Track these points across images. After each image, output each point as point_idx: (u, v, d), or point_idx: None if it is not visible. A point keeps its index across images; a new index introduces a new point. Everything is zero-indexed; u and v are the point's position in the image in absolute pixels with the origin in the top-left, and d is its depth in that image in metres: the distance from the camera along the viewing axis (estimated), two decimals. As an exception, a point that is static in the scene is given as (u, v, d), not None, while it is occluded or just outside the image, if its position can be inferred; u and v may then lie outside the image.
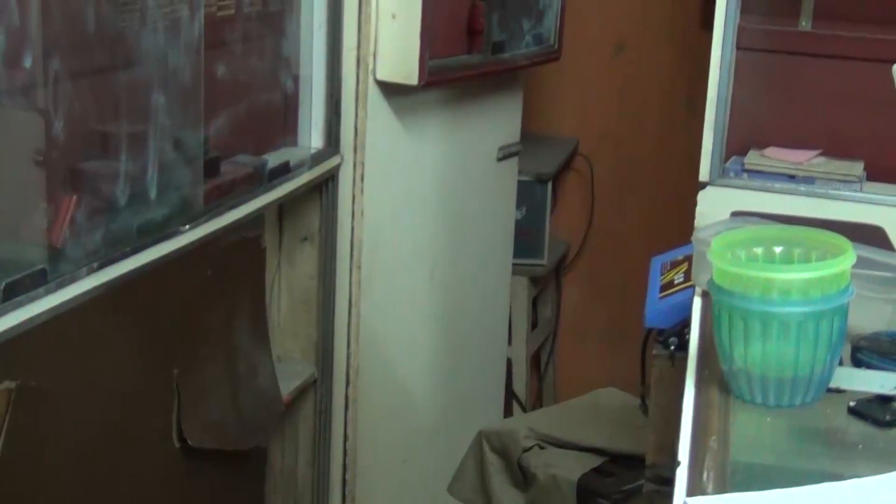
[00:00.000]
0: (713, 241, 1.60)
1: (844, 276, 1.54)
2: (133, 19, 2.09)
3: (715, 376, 1.63)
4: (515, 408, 3.91)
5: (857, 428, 1.53)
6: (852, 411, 1.55)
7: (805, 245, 1.63)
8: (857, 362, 1.69)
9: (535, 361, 4.21)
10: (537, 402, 4.19)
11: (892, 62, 2.19)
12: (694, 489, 1.36)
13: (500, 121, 3.46)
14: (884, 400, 1.56)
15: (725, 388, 1.60)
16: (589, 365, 4.25)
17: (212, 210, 2.32)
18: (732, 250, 1.61)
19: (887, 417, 1.52)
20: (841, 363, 1.66)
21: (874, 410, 1.54)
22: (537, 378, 4.23)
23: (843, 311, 1.54)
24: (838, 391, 1.60)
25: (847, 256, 1.54)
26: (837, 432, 1.52)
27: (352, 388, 3.02)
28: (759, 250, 1.63)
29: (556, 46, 3.43)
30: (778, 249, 1.64)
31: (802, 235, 1.64)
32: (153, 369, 2.24)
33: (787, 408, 1.56)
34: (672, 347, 2.07)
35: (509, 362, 3.83)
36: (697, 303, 1.92)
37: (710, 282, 1.57)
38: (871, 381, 1.62)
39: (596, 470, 2.70)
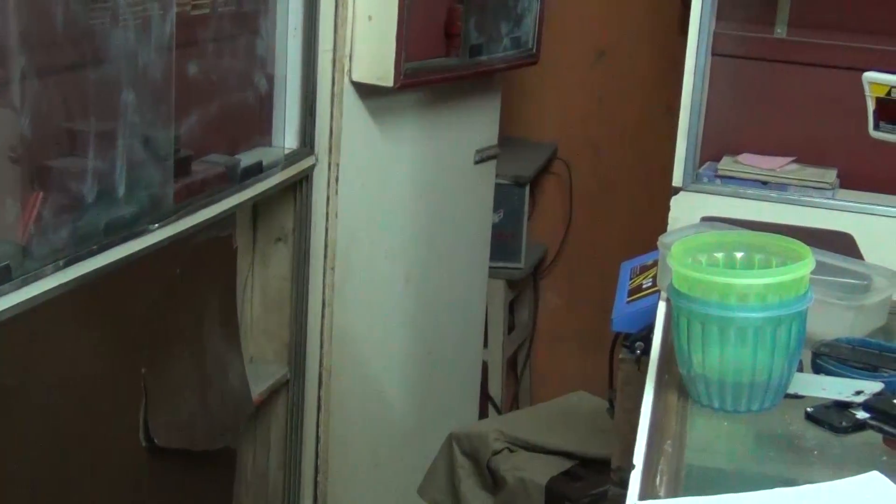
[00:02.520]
0: (673, 245, 1.60)
1: (803, 282, 1.54)
2: (104, 17, 2.09)
3: (675, 381, 1.64)
4: (491, 411, 3.91)
5: (814, 434, 1.53)
6: (809, 417, 1.55)
7: (766, 251, 1.63)
8: (818, 368, 1.69)
9: (512, 365, 4.21)
10: (513, 405, 4.19)
11: (867, 70, 2.20)
12: (647, 492, 1.37)
13: (478, 124, 3.46)
14: (841, 406, 1.57)
15: (685, 392, 1.61)
16: (565, 369, 4.26)
17: (182, 209, 2.32)
18: (693, 255, 1.62)
19: (843, 423, 1.52)
20: (801, 369, 1.66)
21: (831, 417, 1.54)
22: (514, 381, 4.24)
23: (802, 318, 1.55)
24: (797, 397, 1.61)
25: (805, 263, 1.55)
26: (794, 438, 1.52)
27: (324, 389, 3.02)
28: (719, 255, 1.64)
29: (534, 50, 3.43)
30: (739, 255, 1.64)
31: (763, 241, 1.65)
32: (120, 368, 2.24)
33: (745, 413, 1.56)
34: (638, 352, 2.08)
35: (485, 365, 3.83)
36: (662, 307, 1.92)
37: (670, 286, 1.58)
38: (829, 388, 1.62)
39: (565, 473, 2.70)
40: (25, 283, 1.91)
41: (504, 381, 3.99)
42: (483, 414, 3.84)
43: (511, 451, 2.76)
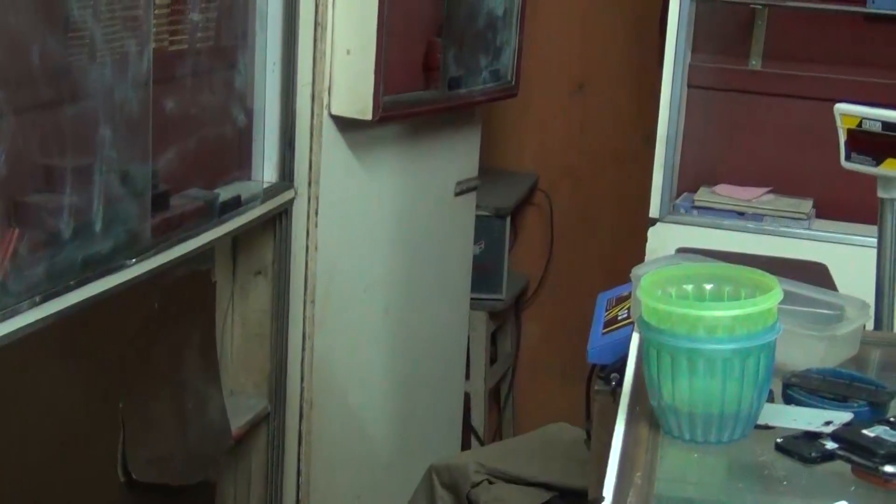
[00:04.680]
0: (643, 278, 1.62)
1: (771, 313, 1.55)
2: (81, 53, 2.10)
3: (647, 412, 1.64)
4: (473, 442, 3.91)
5: (784, 464, 1.53)
6: (779, 447, 1.56)
7: (735, 282, 1.64)
8: (788, 399, 1.70)
9: (495, 396, 4.22)
10: (497, 436, 4.19)
11: (840, 101, 2.23)
12: (616, 524, 1.37)
13: (458, 156, 3.48)
14: (811, 437, 1.57)
15: (656, 424, 1.61)
16: (549, 399, 4.26)
17: (160, 244, 2.33)
18: (663, 287, 1.62)
19: (813, 454, 1.53)
20: (772, 399, 1.67)
21: (801, 447, 1.54)
22: (497, 412, 4.24)
23: (770, 349, 1.56)
24: (767, 427, 1.61)
25: (773, 295, 1.56)
26: (764, 468, 1.52)
27: (305, 422, 3.02)
28: (689, 287, 1.65)
29: (513, 83, 3.46)
30: (708, 287, 1.65)
31: (733, 273, 1.66)
32: (98, 402, 2.24)
33: (715, 444, 1.57)
34: (613, 383, 2.08)
35: (468, 396, 3.84)
36: (635, 339, 1.92)
37: (640, 318, 1.59)
38: (799, 418, 1.62)
39: (544, 505, 2.70)
40: (2, 319, 1.91)
41: (487, 412, 3.99)
42: (466, 445, 3.85)
43: (491, 482, 2.75)
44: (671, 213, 2.84)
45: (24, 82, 1.98)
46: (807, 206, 2.86)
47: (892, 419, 1.56)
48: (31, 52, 1.98)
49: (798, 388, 1.70)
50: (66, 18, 2.05)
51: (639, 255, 2.90)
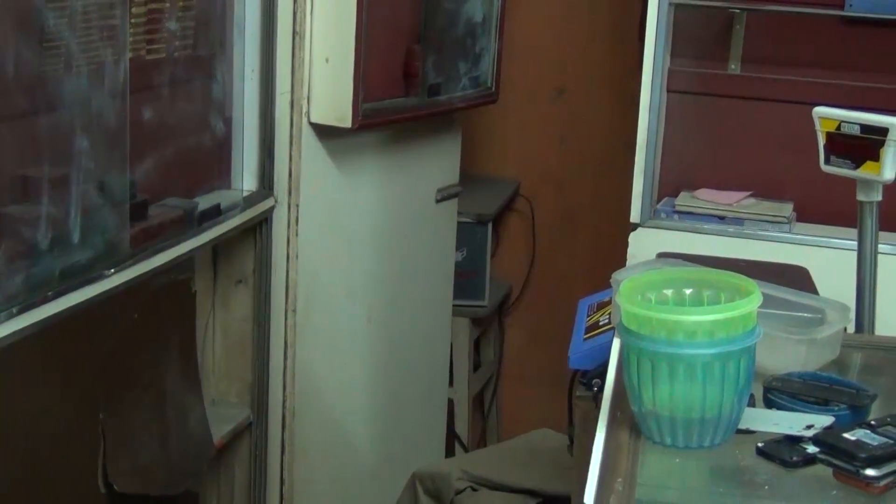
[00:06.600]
0: (622, 283, 1.61)
1: (750, 317, 1.55)
2: (57, 64, 2.09)
3: (628, 418, 1.64)
4: (458, 449, 3.91)
5: (765, 468, 1.53)
6: (761, 452, 1.55)
7: (715, 287, 1.64)
8: (769, 403, 1.70)
9: (479, 402, 4.21)
10: (481, 443, 4.18)
11: (819, 104, 2.23)
12: (597, 531, 1.37)
13: (439, 163, 3.47)
14: (792, 441, 1.57)
15: (637, 429, 1.61)
16: (533, 405, 4.25)
17: (138, 253, 2.32)
18: (643, 293, 1.62)
19: (794, 458, 1.53)
20: (754, 404, 1.67)
21: (782, 451, 1.54)
22: (481, 419, 4.23)
23: (750, 353, 1.55)
24: (749, 432, 1.61)
25: (752, 299, 1.55)
26: (745, 473, 1.52)
27: (288, 431, 3.01)
28: (669, 292, 1.64)
29: (493, 89, 3.45)
30: (688, 291, 1.65)
31: (712, 277, 1.65)
32: (78, 413, 2.23)
33: (697, 449, 1.56)
34: (595, 389, 2.07)
35: (452, 403, 3.83)
36: (616, 344, 1.92)
37: (619, 324, 1.58)
38: (780, 422, 1.62)
39: (527, 512, 2.70)
40: (-22, 331, 1.90)
41: (471, 419, 3.99)
42: (450, 452, 3.84)
43: (474, 489, 2.75)
44: (652, 217, 2.84)
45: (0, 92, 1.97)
46: (787, 209, 2.87)
47: (873, 422, 1.56)
48: (5, 61, 1.97)
49: (779, 392, 1.70)
50: (42, 28, 2.04)
51: (620, 261, 2.90)
